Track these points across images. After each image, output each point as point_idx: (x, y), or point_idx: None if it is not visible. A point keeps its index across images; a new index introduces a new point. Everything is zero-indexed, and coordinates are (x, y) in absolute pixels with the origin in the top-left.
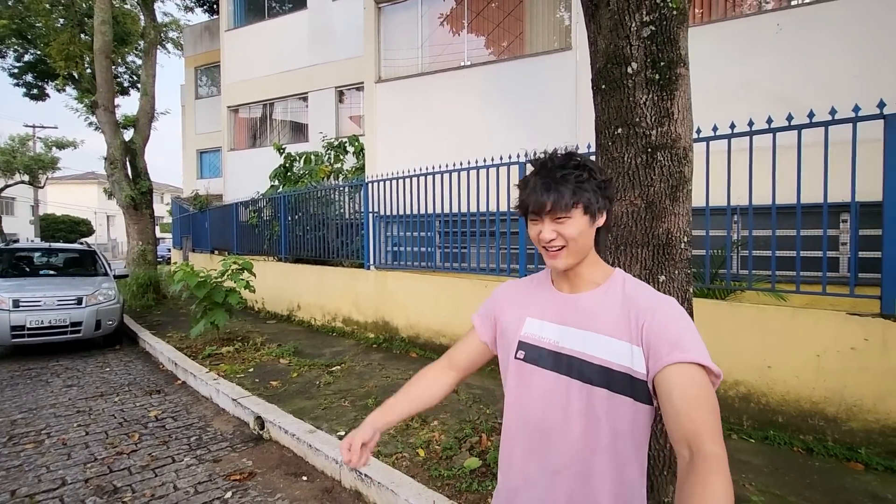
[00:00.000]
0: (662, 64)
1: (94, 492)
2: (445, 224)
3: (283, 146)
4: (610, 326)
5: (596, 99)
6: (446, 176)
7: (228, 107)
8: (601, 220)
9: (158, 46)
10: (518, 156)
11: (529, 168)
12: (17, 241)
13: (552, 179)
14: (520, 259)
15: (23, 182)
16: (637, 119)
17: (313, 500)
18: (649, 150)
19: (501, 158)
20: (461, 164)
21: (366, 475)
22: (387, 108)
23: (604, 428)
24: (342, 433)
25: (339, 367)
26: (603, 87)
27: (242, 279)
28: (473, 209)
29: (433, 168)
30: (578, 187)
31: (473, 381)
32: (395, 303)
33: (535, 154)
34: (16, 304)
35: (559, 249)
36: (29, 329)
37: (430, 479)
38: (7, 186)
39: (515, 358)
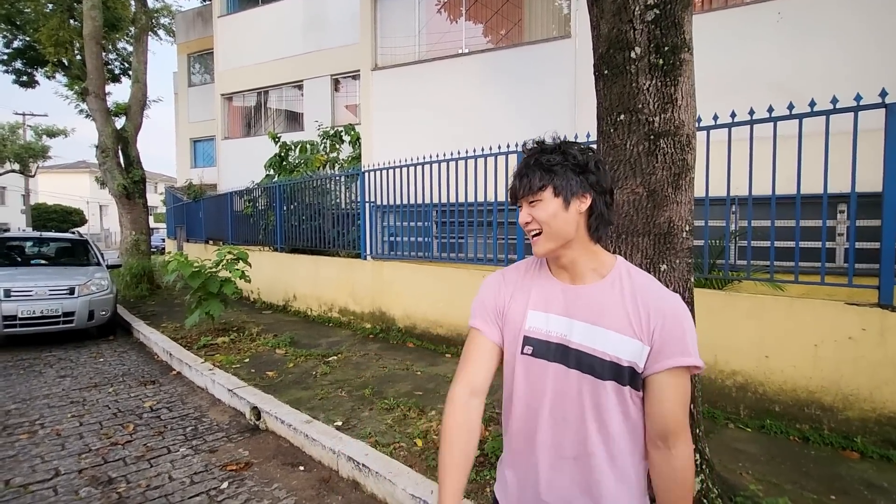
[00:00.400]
0: (666, 49)
1: (88, 482)
2: (443, 214)
3: (278, 135)
4: (618, 322)
5: (598, 85)
6: (443, 165)
7: (222, 95)
8: (582, 205)
9: (150, 33)
10: (516, 145)
11: None
12: (7, 230)
13: (525, 166)
14: (517, 248)
15: (13, 171)
16: (640, 105)
17: (310, 489)
18: (652, 137)
19: (500, 147)
20: (458, 153)
21: (363, 465)
22: (383, 96)
23: (615, 417)
24: (339, 423)
25: (335, 358)
26: (605, 72)
27: (237, 269)
28: (471, 199)
29: (430, 157)
30: (548, 170)
31: None
32: (392, 293)
33: (531, 143)
34: (7, 293)
35: (537, 235)
36: (21, 319)
37: (427, 469)
38: None
39: (522, 353)
